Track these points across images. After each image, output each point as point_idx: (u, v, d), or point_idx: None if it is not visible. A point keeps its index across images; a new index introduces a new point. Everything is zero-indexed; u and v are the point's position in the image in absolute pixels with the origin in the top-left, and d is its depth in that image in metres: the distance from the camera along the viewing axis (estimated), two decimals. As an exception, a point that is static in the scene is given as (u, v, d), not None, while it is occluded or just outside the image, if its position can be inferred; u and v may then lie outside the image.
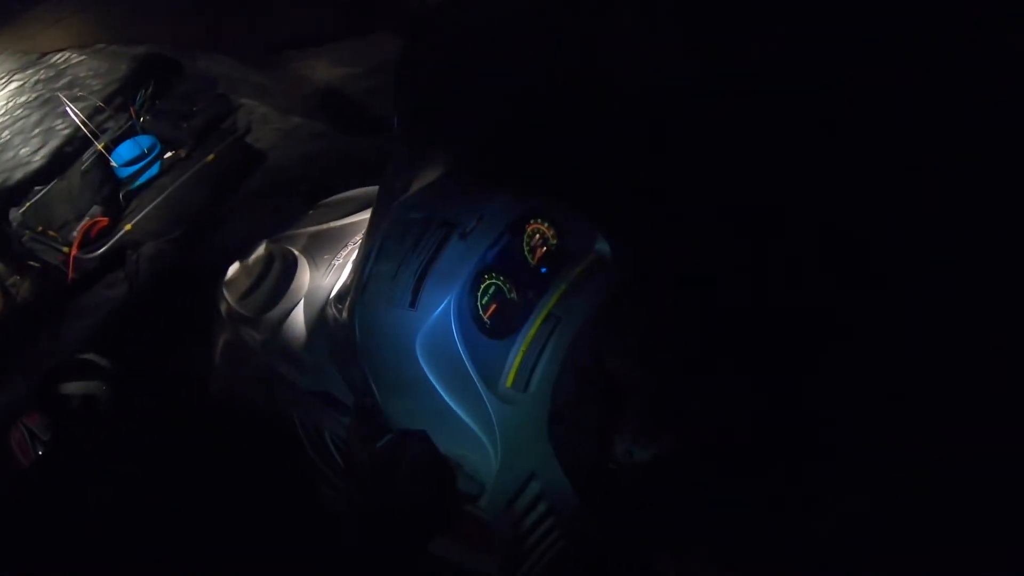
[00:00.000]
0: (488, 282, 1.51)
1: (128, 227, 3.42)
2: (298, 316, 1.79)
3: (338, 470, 1.73)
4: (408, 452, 1.28)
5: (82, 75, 4.55)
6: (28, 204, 3.64)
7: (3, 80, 4.88)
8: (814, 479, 1.52)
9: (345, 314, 1.55)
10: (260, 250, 2.07)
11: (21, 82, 4.79)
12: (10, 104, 4.59)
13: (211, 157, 3.66)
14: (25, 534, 2.13)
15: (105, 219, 3.52)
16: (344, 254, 1.90)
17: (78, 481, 2.29)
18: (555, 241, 1.64)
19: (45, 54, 4.95)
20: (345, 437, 1.64)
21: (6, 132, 4.36)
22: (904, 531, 1.39)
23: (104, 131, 3.81)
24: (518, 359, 1.52)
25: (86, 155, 3.77)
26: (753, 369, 1.57)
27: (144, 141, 3.70)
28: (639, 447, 1.55)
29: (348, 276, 1.74)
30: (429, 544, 1.33)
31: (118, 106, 4.04)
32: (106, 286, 3.29)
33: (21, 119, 4.41)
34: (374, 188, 2.08)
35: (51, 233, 3.52)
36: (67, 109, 3.70)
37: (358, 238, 1.94)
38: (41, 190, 3.68)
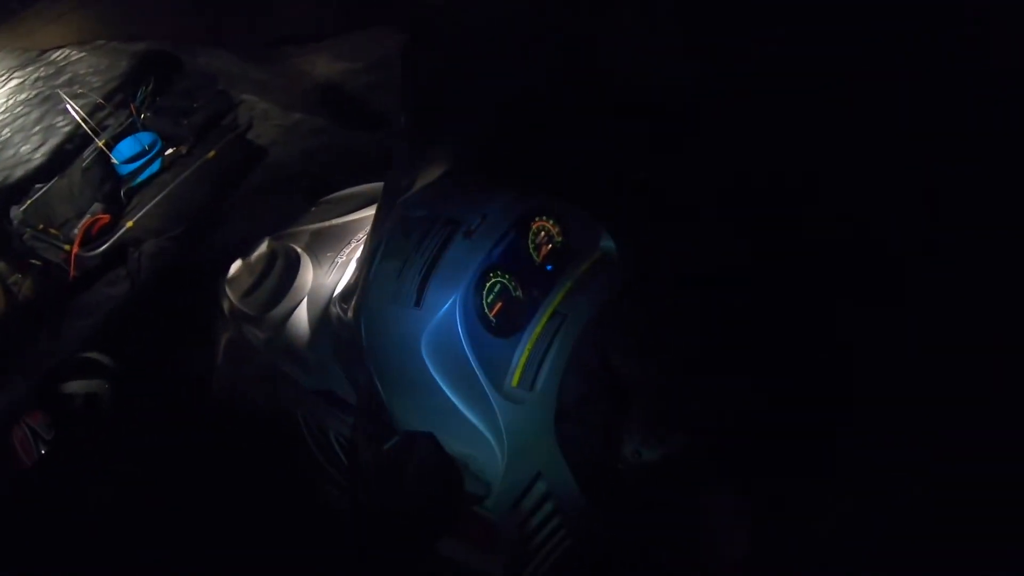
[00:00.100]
0: (493, 280, 1.49)
1: (129, 224, 3.42)
2: (301, 314, 1.79)
3: (343, 469, 1.72)
4: (415, 455, 1.28)
5: (82, 72, 4.55)
6: (29, 202, 3.64)
7: (3, 77, 4.89)
8: (814, 479, 1.53)
9: (351, 313, 1.54)
10: (262, 247, 2.05)
11: (21, 79, 4.79)
12: (10, 102, 4.60)
13: (212, 154, 3.66)
14: (25, 534, 2.14)
15: (106, 216, 3.52)
16: (347, 251, 1.89)
17: (80, 480, 2.29)
18: (560, 239, 1.62)
19: (45, 51, 4.96)
20: (350, 437, 1.63)
21: (6, 130, 4.37)
22: (904, 531, 1.39)
23: (105, 128, 3.81)
24: (524, 358, 1.50)
25: (87, 152, 3.77)
26: (753, 369, 1.57)
27: (145, 138, 3.70)
28: (647, 447, 1.54)
29: (352, 275, 1.74)
30: (436, 545, 1.34)
31: (118, 103, 4.05)
32: (107, 284, 3.29)
33: (21, 117, 4.42)
34: (376, 185, 2.07)
35: (52, 231, 3.53)
36: (67, 106, 3.69)
37: (361, 235, 1.93)
38: (42, 188, 3.68)
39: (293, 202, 2.74)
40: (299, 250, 1.92)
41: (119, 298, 3.26)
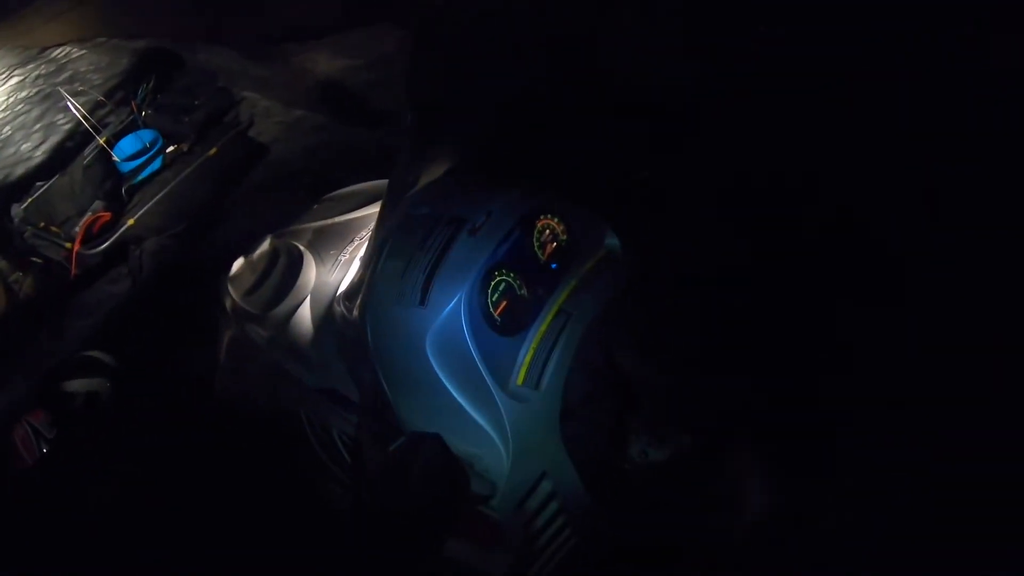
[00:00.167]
0: (498, 279, 1.49)
1: (131, 222, 3.42)
2: (304, 313, 1.78)
3: (346, 468, 1.72)
4: (421, 455, 1.28)
5: (83, 70, 4.55)
6: (30, 200, 3.64)
7: (3, 75, 4.89)
8: (814, 479, 1.53)
9: (356, 312, 1.54)
10: (264, 245, 2.05)
11: (22, 77, 4.79)
12: (11, 99, 4.60)
13: (213, 151, 3.66)
14: (26, 534, 2.14)
15: (107, 214, 3.52)
16: (350, 249, 1.89)
17: (81, 480, 2.30)
18: (565, 237, 1.62)
19: (45, 49, 4.95)
20: (354, 436, 1.63)
21: (7, 127, 4.36)
22: (904, 531, 1.39)
23: (106, 126, 3.81)
24: (529, 356, 1.50)
25: (88, 150, 3.77)
26: (753, 369, 1.57)
27: (146, 135, 3.70)
28: (655, 447, 1.54)
29: (356, 273, 1.73)
30: (442, 546, 1.34)
31: (119, 101, 4.04)
32: (109, 282, 3.29)
33: (22, 114, 4.42)
34: (379, 182, 2.07)
35: (53, 229, 3.52)
36: (68, 104, 3.69)
37: (364, 233, 1.93)
38: (43, 186, 3.68)
39: (295, 199, 2.74)
40: (302, 248, 1.93)
41: (120, 296, 3.26)
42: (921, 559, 1.34)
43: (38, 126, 4.30)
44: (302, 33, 4.05)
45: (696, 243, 1.66)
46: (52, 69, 4.71)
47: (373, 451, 1.38)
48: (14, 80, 4.79)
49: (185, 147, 3.67)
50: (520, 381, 1.49)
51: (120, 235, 3.40)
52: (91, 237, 3.44)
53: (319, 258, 1.89)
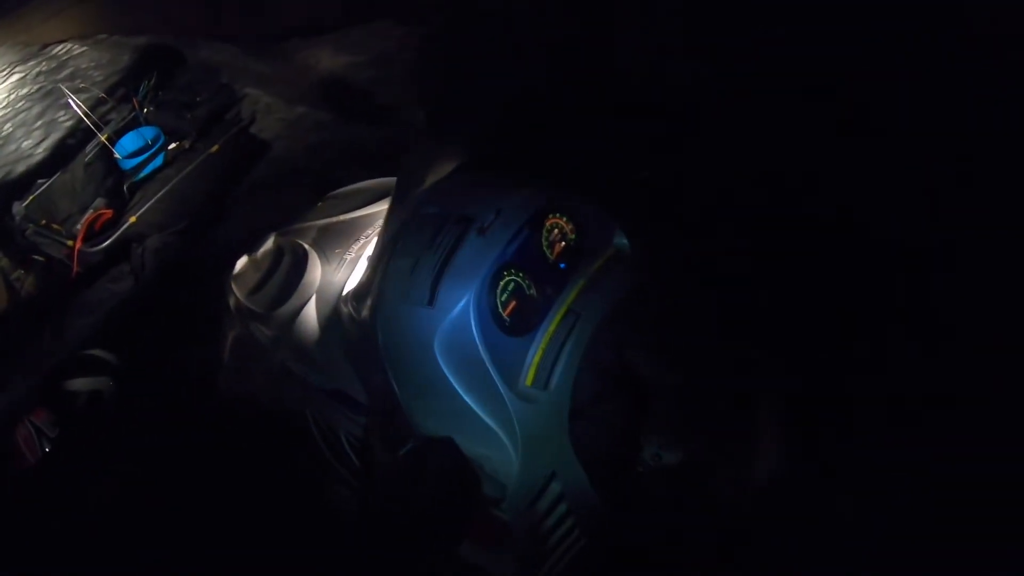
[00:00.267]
0: (507, 279, 1.49)
1: (133, 220, 3.40)
2: (310, 312, 1.77)
3: (352, 469, 1.72)
4: (433, 460, 1.28)
5: (84, 66, 4.54)
6: (31, 197, 3.61)
7: (4, 72, 4.87)
8: (814, 479, 1.54)
9: (365, 313, 1.52)
10: (268, 243, 2.04)
11: (22, 74, 4.77)
12: (12, 96, 4.58)
13: (215, 148, 3.64)
14: (28, 533, 2.14)
15: (109, 212, 3.50)
16: (356, 248, 1.88)
17: (84, 479, 2.29)
18: (573, 236, 1.62)
19: (46, 45, 4.93)
20: (363, 437, 1.63)
21: (8, 125, 4.35)
22: (904, 531, 1.39)
23: (107, 123, 3.79)
24: (538, 357, 1.50)
25: (89, 147, 3.74)
26: (753, 369, 1.58)
27: (148, 132, 3.69)
28: (668, 450, 1.54)
29: (364, 273, 1.71)
30: (454, 550, 1.34)
31: (121, 97, 4.02)
32: (111, 280, 3.27)
33: (23, 111, 4.40)
34: (384, 180, 2.06)
35: (55, 226, 3.50)
36: (69, 101, 3.67)
37: (369, 231, 1.92)
38: (44, 183, 3.65)
39: (297, 197, 2.73)
40: (306, 246, 1.91)
41: (123, 294, 3.23)
42: (921, 559, 1.34)
43: (39, 123, 4.28)
44: (304, 30, 4.04)
45: (696, 242, 1.67)
46: (53, 66, 4.69)
47: (384, 454, 1.38)
48: (15, 77, 4.77)
49: (187, 144, 3.66)
50: (529, 382, 1.48)
51: (122, 233, 3.38)
52: (93, 235, 3.42)
53: (324, 257, 1.88)
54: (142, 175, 3.57)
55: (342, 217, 2.02)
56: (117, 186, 3.61)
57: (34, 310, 3.39)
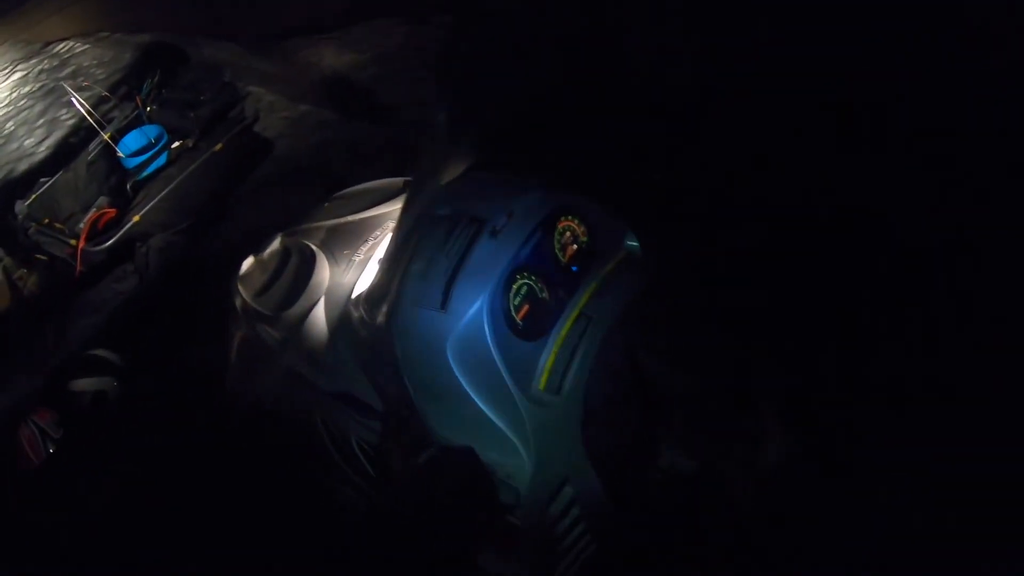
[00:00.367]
0: (520, 282, 1.46)
1: (136, 218, 3.39)
2: (318, 315, 1.75)
3: (363, 473, 1.70)
4: (452, 470, 1.26)
5: (86, 64, 4.53)
6: (34, 196, 3.61)
7: (7, 70, 4.87)
8: (813, 479, 1.52)
9: (381, 319, 1.50)
10: (275, 244, 2.01)
11: (25, 72, 4.77)
12: (14, 94, 4.58)
13: (219, 146, 3.64)
14: (32, 533, 2.12)
15: (112, 210, 3.50)
16: (364, 250, 1.85)
17: (88, 480, 2.28)
18: (585, 239, 1.59)
19: (49, 43, 4.93)
20: (377, 443, 1.61)
21: (10, 123, 4.34)
22: (904, 531, 1.39)
23: (110, 121, 3.78)
24: (550, 361, 1.47)
25: (92, 146, 3.74)
26: (753, 369, 1.56)
27: (151, 131, 3.67)
28: (684, 457, 1.53)
29: (376, 276, 1.68)
30: (472, 557, 1.33)
31: (124, 95, 4.01)
32: (114, 279, 3.26)
33: (25, 110, 4.40)
34: (391, 180, 2.04)
35: (57, 225, 3.50)
36: (72, 99, 3.67)
37: (378, 233, 1.89)
38: (47, 182, 3.65)
39: (302, 195, 2.72)
40: (314, 247, 1.88)
41: (126, 294, 3.23)
42: (921, 559, 1.35)
43: (41, 121, 4.28)
44: (306, 28, 4.04)
45: (697, 242, 1.66)
46: (55, 64, 4.69)
47: (401, 461, 1.36)
48: (17, 75, 4.77)
49: (190, 142, 3.65)
50: (542, 386, 1.46)
51: (125, 232, 3.37)
52: (96, 234, 3.41)
53: (333, 258, 1.85)
54: (145, 174, 3.56)
55: (350, 218, 1.99)
56: (120, 185, 3.61)
57: (37, 310, 3.39)
